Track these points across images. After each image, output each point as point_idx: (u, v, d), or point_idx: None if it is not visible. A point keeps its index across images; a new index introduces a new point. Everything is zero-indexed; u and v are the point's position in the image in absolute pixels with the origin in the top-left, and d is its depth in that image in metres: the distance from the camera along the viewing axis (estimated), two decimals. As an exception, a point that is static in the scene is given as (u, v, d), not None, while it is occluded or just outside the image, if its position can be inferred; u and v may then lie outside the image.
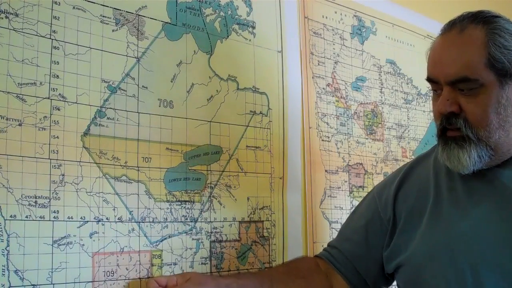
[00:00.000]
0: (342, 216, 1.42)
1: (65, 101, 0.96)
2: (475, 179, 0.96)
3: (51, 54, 0.96)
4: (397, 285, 1.07)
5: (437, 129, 0.97)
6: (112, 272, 0.98)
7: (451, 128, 0.94)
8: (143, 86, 1.07)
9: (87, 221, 0.96)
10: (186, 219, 1.11)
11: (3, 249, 0.86)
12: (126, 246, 1.01)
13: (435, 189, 1.02)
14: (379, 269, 1.09)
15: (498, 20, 0.92)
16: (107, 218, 0.99)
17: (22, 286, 0.87)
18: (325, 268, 1.13)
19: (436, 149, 1.07)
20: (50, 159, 0.94)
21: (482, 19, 0.91)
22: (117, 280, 0.98)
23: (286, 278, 1.08)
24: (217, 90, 1.19)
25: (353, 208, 1.23)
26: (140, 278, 1.02)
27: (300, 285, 1.08)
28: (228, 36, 1.23)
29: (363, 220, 1.12)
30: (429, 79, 0.96)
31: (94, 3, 1.02)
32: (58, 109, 0.95)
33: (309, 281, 1.10)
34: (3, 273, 0.86)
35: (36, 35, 0.94)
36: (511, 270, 0.88)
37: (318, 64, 1.43)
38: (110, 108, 1.02)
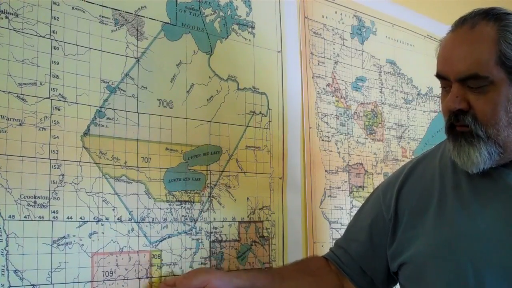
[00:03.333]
0: (342, 216, 1.42)
1: (65, 101, 0.97)
2: (480, 178, 0.96)
3: (51, 54, 0.96)
4: (399, 282, 1.07)
5: (445, 126, 0.97)
6: (111, 272, 0.98)
7: (459, 125, 0.93)
8: (142, 86, 1.07)
9: (87, 221, 0.96)
10: (186, 219, 1.11)
11: (2, 249, 0.86)
12: (125, 246, 1.01)
13: (440, 187, 1.02)
14: (386, 268, 1.09)
15: (510, 17, 0.91)
16: (106, 218, 0.99)
17: (22, 286, 0.88)
18: (335, 268, 1.14)
19: (442, 147, 1.07)
20: (50, 159, 0.94)
21: (494, 16, 0.91)
22: (116, 280, 0.99)
23: (296, 275, 1.10)
24: (217, 90, 1.19)
25: (360, 206, 1.22)
26: (139, 278, 1.02)
27: (310, 283, 1.10)
28: (227, 36, 1.23)
29: (368, 219, 1.12)
30: (438, 76, 0.96)
31: (93, 3, 1.02)
32: (58, 109, 0.96)
33: (319, 279, 1.11)
34: (3, 273, 0.86)
35: (36, 35, 0.94)
36: None
37: (318, 64, 1.43)
38: (109, 108, 1.02)
